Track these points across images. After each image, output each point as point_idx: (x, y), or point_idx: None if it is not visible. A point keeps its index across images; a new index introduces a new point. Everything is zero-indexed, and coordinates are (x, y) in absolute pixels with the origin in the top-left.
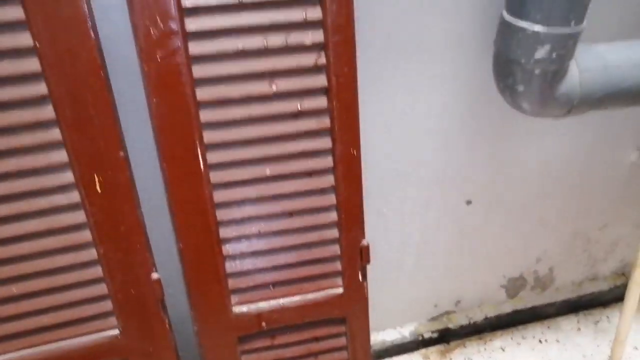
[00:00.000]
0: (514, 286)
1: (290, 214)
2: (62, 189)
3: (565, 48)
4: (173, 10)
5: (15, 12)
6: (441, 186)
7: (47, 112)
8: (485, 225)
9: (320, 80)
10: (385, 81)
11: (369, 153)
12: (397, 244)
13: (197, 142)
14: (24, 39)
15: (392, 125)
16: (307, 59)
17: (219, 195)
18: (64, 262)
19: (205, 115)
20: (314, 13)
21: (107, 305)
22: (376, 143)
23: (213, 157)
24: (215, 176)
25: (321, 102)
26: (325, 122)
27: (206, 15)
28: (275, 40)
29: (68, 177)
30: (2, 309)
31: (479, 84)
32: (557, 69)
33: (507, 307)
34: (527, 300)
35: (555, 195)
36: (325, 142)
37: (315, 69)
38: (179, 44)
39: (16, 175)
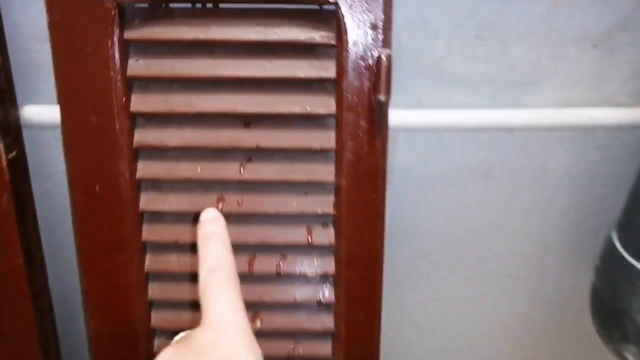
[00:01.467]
0: None
1: None
2: None
3: None
4: (125, 218)
5: None
6: None
7: None
8: None
9: (324, 322)
10: (437, 280)
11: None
12: None
13: None
14: None
15: (454, 325)
16: (308, 293)
17: None
18: None
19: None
20: (323, 237)
21: None
22: (430, 338)
23: None
24: None
25: (324, 349)
26: None
27: (171, 224)
28: (264, 263)
29: None
30: None
31: (567, 300)
32: None
33: None
34: None
35: None
36: None
37: (318, 306)
38: (132, 257)
39: None
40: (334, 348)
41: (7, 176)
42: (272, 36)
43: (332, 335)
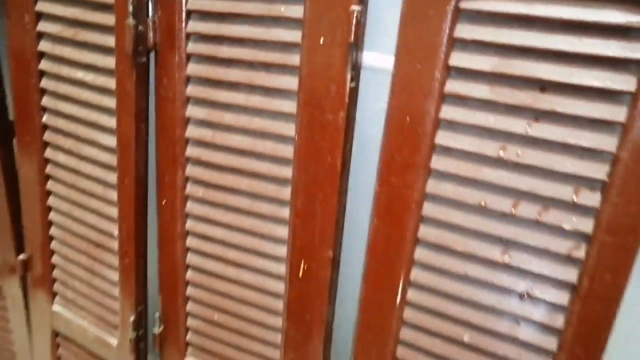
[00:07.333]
0: None
1: None
2: (277, 259)
3: None
4: (422, 147)
5: (287, 107)
6: None
7: (285, 193)
8: None
9: (568, 274)
10: None
11: None
12: None
13: (401, 281)
14: (289, 130)
15: None
16: (560, 245)
17: (406, 335)
18: (258, 316)
19: (420, 255)
20: (590, 199)
21: None
22: None
23: (413, 297)
24: (409, 316)
25: (559, 298)
26: (556, 320)
27: (456, 160)
28: (527, 210)
29: (283, 251)
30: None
31: None
32: None
33: None
34: None
35: None
36: (549, 342)
37: (566, 259)
38: (417, 179)
39: (243, 231)
40: (571, 300)
41: (346, 99)
42: (587, 17)
43: (572, 289)
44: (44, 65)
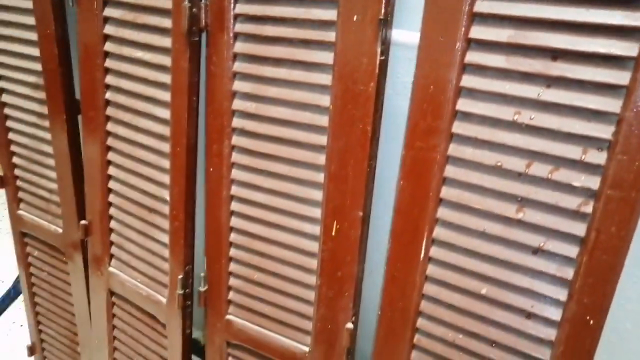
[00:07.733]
0: None
1: (492, 343)
2: (312, 221)
3: None
4: (445, 113)
5: (323, 79)
6: None
7: (321, 159)
8: None
9: (577, 229)
10: None
11: None
12: None
13: (425, 238)
14: (325, 101)
15: None
16: (569, 201)
17: (429, 289)
18: (294, 274)
19: (443, 214)
20: (597, 158)
21: (308, 325)
22: None
23: (435, 253)
24: (432, 271)
25: (569, 251)
26: (566, 272)
27: (475, 125)
28: (539, 169)
29: (317, 213)
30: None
31: None
32: None
33: None
34: None
35: None
36: (559, 293)
37: (575, 215)
38: (440, 143)
39: (282, 195)
40: (580, 252)
41: (376, 70)
42: None
43: (581, 242)
44: (108, 46)
